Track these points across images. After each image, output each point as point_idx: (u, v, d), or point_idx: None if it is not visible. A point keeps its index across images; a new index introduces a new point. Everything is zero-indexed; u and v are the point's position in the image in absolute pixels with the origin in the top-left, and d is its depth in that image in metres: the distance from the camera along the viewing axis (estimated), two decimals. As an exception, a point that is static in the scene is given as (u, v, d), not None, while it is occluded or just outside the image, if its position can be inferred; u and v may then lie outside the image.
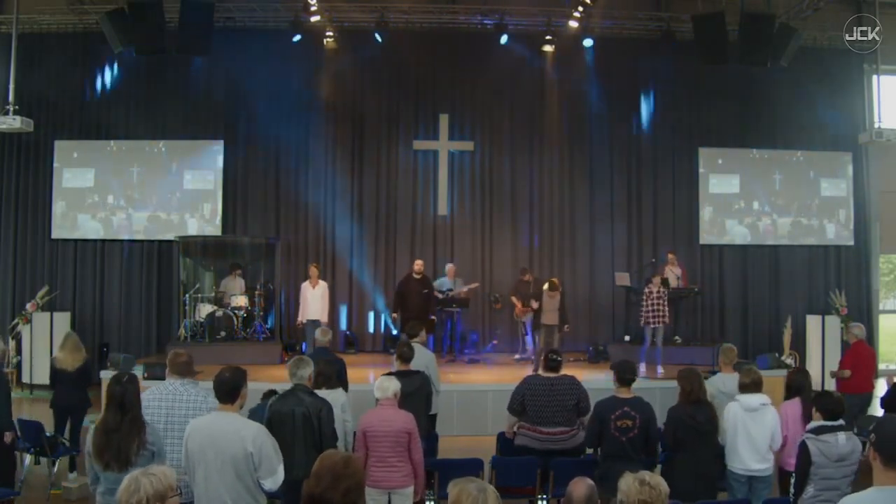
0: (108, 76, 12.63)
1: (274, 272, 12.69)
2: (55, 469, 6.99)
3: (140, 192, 13.02)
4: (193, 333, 11.52)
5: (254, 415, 5.11)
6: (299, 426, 4.77)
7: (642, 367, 10.23)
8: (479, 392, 9.46)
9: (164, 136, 13.05)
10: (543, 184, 13.50)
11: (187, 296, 11.82)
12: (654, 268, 12.51)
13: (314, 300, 11.06)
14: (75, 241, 12.92)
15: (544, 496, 5.85)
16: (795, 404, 5.58)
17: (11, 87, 11.24)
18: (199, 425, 4.04)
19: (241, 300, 11.82)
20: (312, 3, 11.58)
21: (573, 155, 13.58)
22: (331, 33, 12.51)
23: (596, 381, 9.00)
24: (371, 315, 13.27)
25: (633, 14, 12.89)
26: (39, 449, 6.82)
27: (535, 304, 10.72)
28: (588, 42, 12.72)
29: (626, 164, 13.57)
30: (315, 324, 10.48)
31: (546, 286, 10.62)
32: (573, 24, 12.33)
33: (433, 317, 11.53)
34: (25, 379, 11.45)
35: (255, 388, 5.72)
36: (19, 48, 11.55)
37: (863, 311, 13.18)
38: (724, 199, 13.62)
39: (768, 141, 13.60)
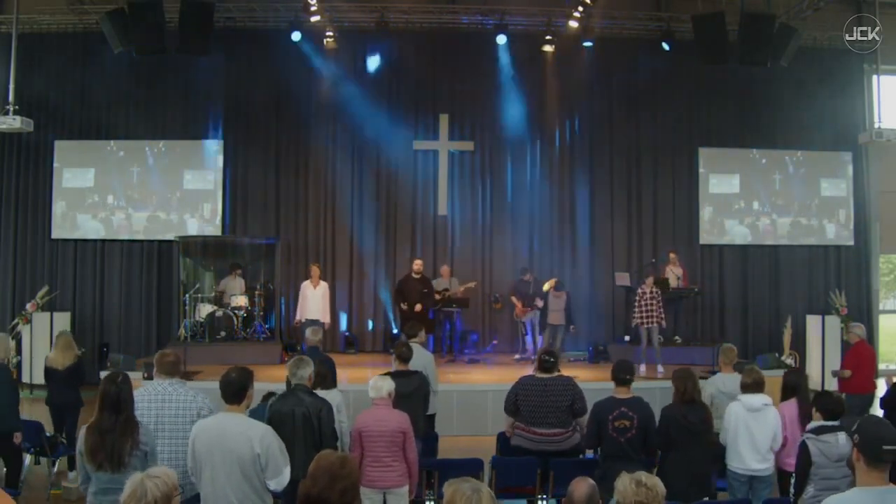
0: (108, 76, 12.60)
1: (274, 272, 12.70)
2: (55, 469, 6.99)
3: (140, 192, 13.01)
4: (193, 333, 11.53)
5: (254, 415, 5.09)
6: (299, 426, 4.78)
7: (642, 368, 10.24)
8: (479, 392, 9.45)
9: (164, 136, 13.04)
10: (543, 184, 13.49)
11: (187, 296, 11.83)
12: (655, 268, 12.52)
13: (314, 300, 11.06)
14: (75, 241, 12.91)
15: (544, 496, 5.84)
16: (792, 405, 5.58)
17: (11, 87, 11.23)
18: (206, 426, 4.04)
19: (241, 300, 11.83)
20: (312, 3, 11.57)
21: (573, 155, 13.58)
22: (331, 33, 12.49)
23: (598, 382, 8.94)
24: (371, 314, 13.25)
25: (632, 14, 12.88)
26: (39, 449, 6.83)
27: (539, 303, 10.73)
28: (588, 43, 12.72)
29: (626, 164, 13.57)
30: (314, 324, 10.47)
31: (552, 286, 10.62)
32: (573, 24, 12.31)
33: (431, 316, 11.54)
34: (25, 379, 11.39)
35: (255, 388, 5.68)
36: (19, 48, 11.54)
37: (863, 311, 13.20)
38: (723, 199, 13.61)
39: (768, 141, 13.60)
